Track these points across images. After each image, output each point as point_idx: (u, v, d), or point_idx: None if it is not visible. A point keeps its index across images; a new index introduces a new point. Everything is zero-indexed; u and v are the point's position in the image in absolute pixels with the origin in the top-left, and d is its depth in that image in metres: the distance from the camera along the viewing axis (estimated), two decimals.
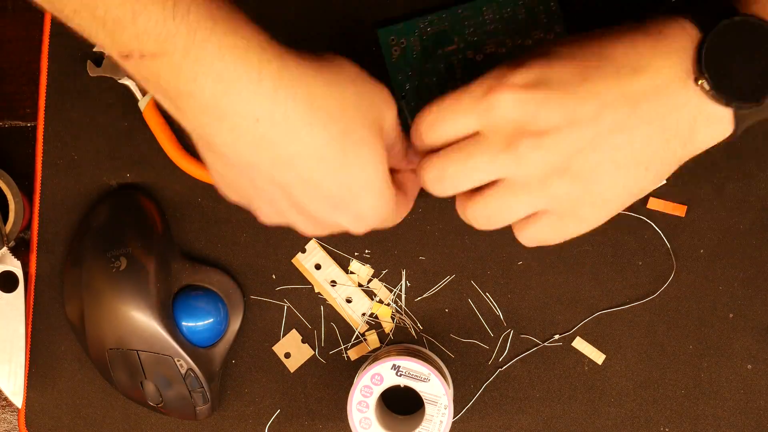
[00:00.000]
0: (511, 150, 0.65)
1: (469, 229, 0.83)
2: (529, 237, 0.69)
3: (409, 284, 0.83)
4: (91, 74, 0.83)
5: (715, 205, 0.82)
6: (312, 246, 0.83)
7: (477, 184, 0.67)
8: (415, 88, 0.81)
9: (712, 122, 0.66)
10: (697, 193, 0.82)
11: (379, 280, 0.83)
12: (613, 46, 0.66)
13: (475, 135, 0.66)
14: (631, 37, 0.66)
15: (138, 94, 0.83)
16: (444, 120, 0.67)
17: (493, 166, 0.66)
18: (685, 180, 0.82)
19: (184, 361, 0.79)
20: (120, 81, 0.83)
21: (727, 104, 0.65)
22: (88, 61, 0.83)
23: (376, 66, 0.81)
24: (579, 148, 0.65)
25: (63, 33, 0.83)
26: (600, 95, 0.64)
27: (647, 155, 0.66)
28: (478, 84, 0.66)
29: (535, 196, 0.66)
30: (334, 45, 0.82)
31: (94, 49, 0.83)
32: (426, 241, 0.83)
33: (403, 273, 0.83)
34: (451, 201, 0.83)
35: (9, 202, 0.82)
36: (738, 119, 0.66)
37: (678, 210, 0.82)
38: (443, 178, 0.67)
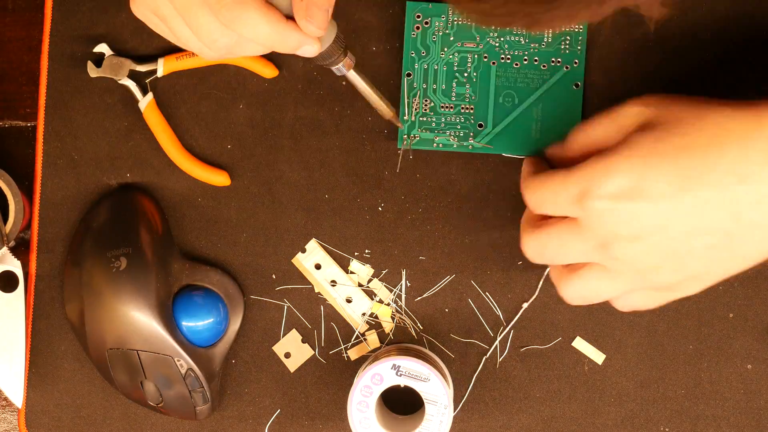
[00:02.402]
0: (604, 250, 0.66)
1: (469, 228, 0.83)
2: (626, 305, 0.71)
3: (409, 284, 0.83)
4: (91, 75, 0.82)
5: None
6: (312, 246, 0.83)
7: (574, 262, 0.69)
8: (423, 70, 0.81)
9: None
10: None
11: (379, 280, 0.83)
12: (722, 151, 0.62)
13: (573, 219, 0.67)
14: (743, 138, 0.62)
15: (138, 95, 0.82)
16: (544, 202, 0.69)
17: (588, 256, 0.68)
18: None
19: (184, 361, 0.79)
20: (120, 81, 0.83)
21: None
22: (89, 62, 0.82)
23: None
24: (674, 251, 0.64)
25: (63, 33, 0.83)
26: (697, 207, 0.62)
27: (747, 252, 0.64)
28: (575, 181, 0.66)
29: (630, 282, 0.68)
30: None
31: (94, 50, 0.83)
32: (426, 241, 0.83)
33: (403, 273, 0.83)
34: (450, 201, 0.83)
35: (9, 202, 0.82)
36: None
37: None
38: (542, 255, 0.70)
